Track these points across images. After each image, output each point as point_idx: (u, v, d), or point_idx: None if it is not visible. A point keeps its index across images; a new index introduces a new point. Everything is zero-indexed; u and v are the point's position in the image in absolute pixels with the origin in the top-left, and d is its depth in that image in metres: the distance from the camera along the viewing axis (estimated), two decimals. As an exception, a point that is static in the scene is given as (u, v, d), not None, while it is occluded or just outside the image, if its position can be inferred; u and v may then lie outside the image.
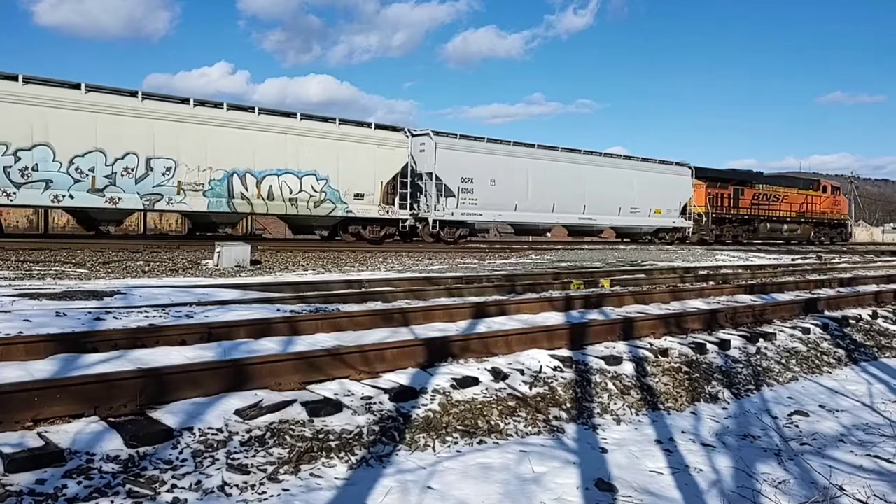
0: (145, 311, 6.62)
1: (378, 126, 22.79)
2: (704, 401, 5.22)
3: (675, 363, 5.73)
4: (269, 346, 5.22)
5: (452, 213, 23.90)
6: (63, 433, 3.17)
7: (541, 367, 5.04)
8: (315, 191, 20.85)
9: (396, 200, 22.90)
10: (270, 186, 19.98)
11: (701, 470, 3.82)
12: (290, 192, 20.37)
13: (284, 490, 3.02)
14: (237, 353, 4.78)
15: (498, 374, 4.73)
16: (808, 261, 21.50)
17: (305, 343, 5.37)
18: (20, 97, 16.20)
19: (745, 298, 9.90)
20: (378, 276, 11.59)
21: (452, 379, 4.50)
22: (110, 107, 17.50)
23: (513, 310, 7.51)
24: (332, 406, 3.83)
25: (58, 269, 11.50)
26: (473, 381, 4.53)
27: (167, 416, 3.46)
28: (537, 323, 6.72)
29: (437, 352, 4.99)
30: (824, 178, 47.24)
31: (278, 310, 7.14)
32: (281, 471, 3.17)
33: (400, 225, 23.27)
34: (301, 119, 20.89)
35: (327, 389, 4.10)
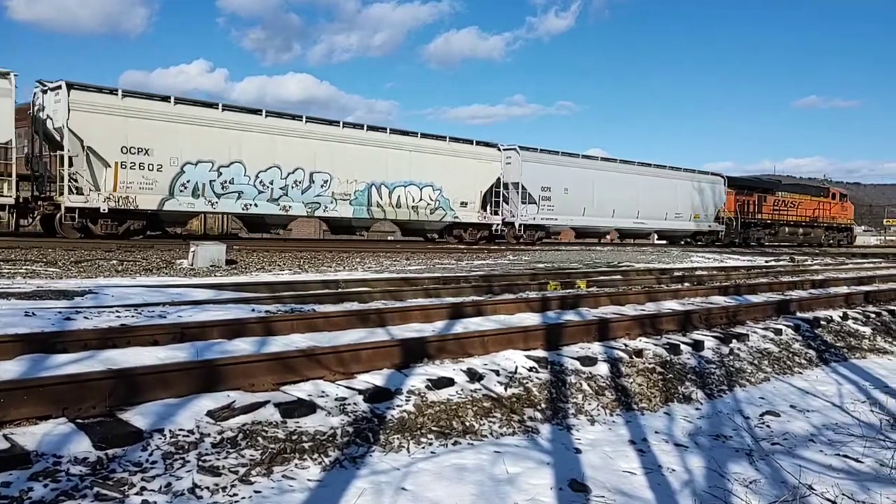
0: (117, 311, 6.53)
1: (478, 143, 26.36)
2: (678, 401, 5.26)
3: (650, 364, 5.77)
4: (242, 346, 5.17)
5: (534, 218, 27.77)
6: (30, 435, 3.11)
7: (516, 367, 5.05)
8: (431, 199, 24.65)
9: (489, 207, 26.62)
10: (399, 196, 23.70)
11: (674, 470, 3.85)
12: (413, 201, 24.13)
13: (256, 492, 2.99)
14: (210, 354, 4.72)
15: (473, 375, 4.73)
16: (780, 262, 21.79)
17: (280, 343, 5.33)
18: (220, 122, 19.50)
19: (720, 300, 10.00)
20: (355, 277, 11.54)
21: (428, 380, 4.50)
22: (284, 129, 20.94)
23: (489, 310, 7.52)
24: (305, 407, 3.80)
25: (28, 268, 11.31)
26: (449, 382, 4.53)
27: (137, 417, 3.41)
28: (513, 323, 6.73)
29: (412, 352, 4.98)
30: (833, 186, 52.15)
31: (253, 310, 7.08)
32: (253, 472, 3.14)
33: (493, 229, 26.83)
34: (421, 137, 24.59)
35: (301, 390, 4.07)
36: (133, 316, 6.36)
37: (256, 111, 20.50)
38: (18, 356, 4.41)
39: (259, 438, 3.43)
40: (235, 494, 2.94)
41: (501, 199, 26.91)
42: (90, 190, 17.71)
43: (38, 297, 7.47)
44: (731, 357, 6.50)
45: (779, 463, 4.10)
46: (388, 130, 23.56)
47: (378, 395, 4.14)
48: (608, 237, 34.86)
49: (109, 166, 17.87)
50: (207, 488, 2.95)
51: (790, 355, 7.04)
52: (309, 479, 3.18)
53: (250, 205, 20.17)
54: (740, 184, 39.64)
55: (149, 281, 10.12)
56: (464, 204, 25.57)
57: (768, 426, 4.95)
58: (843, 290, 12.25)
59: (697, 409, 5.19)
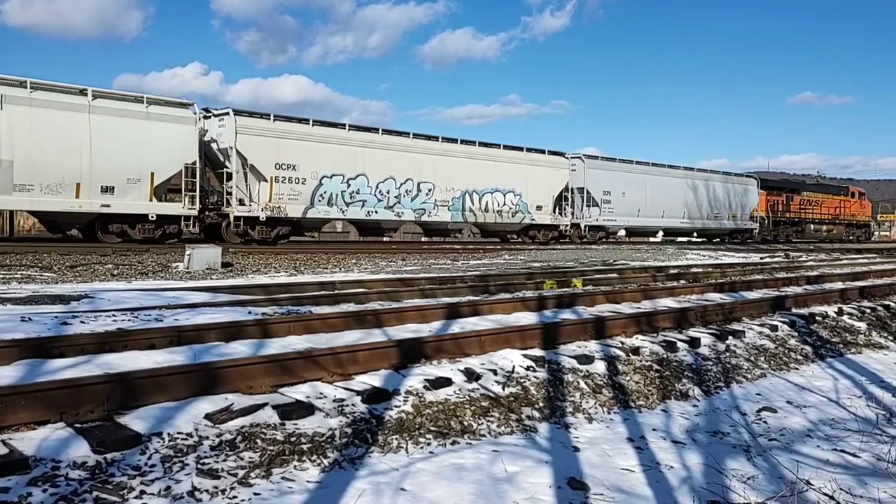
0: (113, 315, 6.52)
1: (549, 152, 29.33)
2: (675, 398, 5.27)
3: (647, 361, 5.79)
4: (240, 349, 5.17)
5: (597, 220, 30.70)
6: (28, 440, 3.11)
7: (514, 366, 5.05)
8: (513, 204, 27.59)
9: (558, 210, 29.59)
10: (487, 201, 26.66)
11: (672, 467, 3.86)
12: (498, 206, 27.13)
13: (256, 494, 2.99)
14: (207, 357, 4.72)
15: (471, 375, 4.74)
16: (776, 259, 21.84)
17: (277, 346, 5.33)
18: (348, 140, 22.57)
19: (715, 297, 10.03)
20: (351, 278, 11.54)
21: (425, 380, 4.50)
22: (397, 145, 23.91)
23: (486, 310, 7.53)
24: (304, 409, 3.80)
25: (23, 272, 11.28)
26: (446, 382, 4.53)
27: (136, 421, 3.41)
28: (510, 323, 6.74)
29: (410, 353, 4.98)
30: (853, 185, 56.23)
31: (250, 312, 7.07)
32: (252, 475, 3.14)
33: (561, 229, 29.72)
34: (503, 149, 27.55)
35: (299, 392, 4.07)
36: (129, 320, 6.35)
37: (374, 129, 23.77)
38: (15, 361, 4.40)
39: (258, 440, 3.43)
40: (235, 497, 2.94)
41: (569, 202, 30.02)
42: (250, 201, 20.55)
43: (33, 302, 7.46)
44: (728, 354, 6.52)
45: (776, 458, 4.11)
46: (476, 143, 26.73)
47: (376, 396, 4.14)
48: (658, 236, 37.42)
49: (266, 180, 20.72)
50: (207, 491, 2.95)
51: (786, 351, 7.06)
52: (308, 481, 3.18)
53: (372, 212, 23.26)
54: (770, 185, 42.95)
55: (145, 285, 10.10)
56: (539, 207, 28.51)
57: (765, 422, 4.97)
58: (839, 285, 12.30)
59: (695, 405, 5.20)
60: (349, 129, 22.88)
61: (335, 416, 3.84)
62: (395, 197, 23.73)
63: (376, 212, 23.31)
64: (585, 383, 5.09)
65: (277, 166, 20.85)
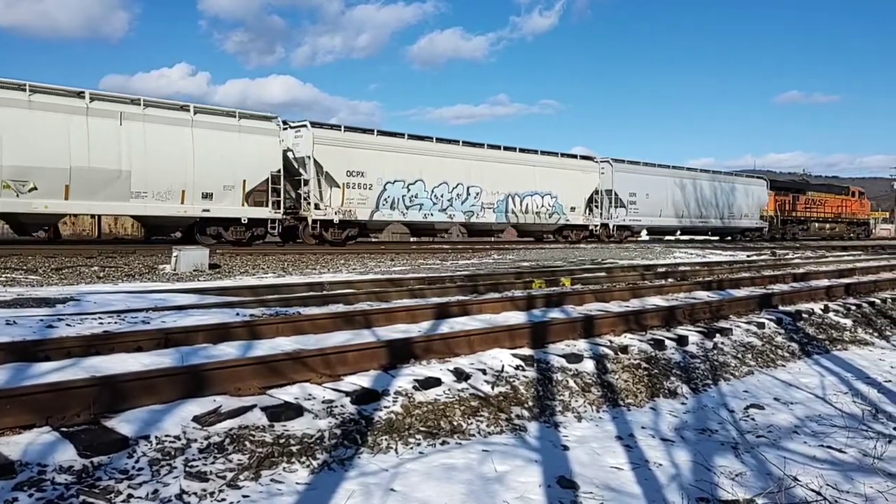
0: (100, 318, 6.48)
1: (581, 157, 31.93)
2: (663, 396, 5.30)
3: (635, 360, 5.81)
4: (228, 350, 5.14)
5: (623, 220, 32.75)
6: (14, 444, 3.08)
7: (503, 366, 5.06)
8: (550, 206, 29.63)
9: (588, 211, 31.44)
10: (527, 203, 28.66)
11: (660, 464, 3.88)
12: (537, 207, 29.14)
13: (245, 496, 2.98)
14: (195, 359, 4.70)
15: (460, 375, 4.74)
16: (762, 257, 21.99)
17: (265, 347, 5.30)
18: (407, 148, 24.75)
19: (703, 295, 10.07)
20: (340, 279, 11.52)
21: (415, 380, 4.50)
22: (449, 152, 26.05)
23: (475, 310, 7.53)
24: (292, 410, 3.79)
25: (8, 275, 11.18)
26: (436, 382, 4.53)
27: (123, 424, 3.38)
28: (499, 322, 6.75)
29: (399, 353, 4.98)
30: (853, 185, 58.68)
31: (237, 314, 7.04)
32: (241, 477, 3.13)
33: (591, 229, 31.68)
34: (541, 154, 29.65)
35: (288, 393, 4.06)
36: (116, 322, 6.31)
37: (429, 138, 25.79)
38: (0, 365, 4.36)
39: (246, 443, 3.42)
40: (224, 499, 2.93)
41: (599, 203, 31.98)
42: (325, 206, 22.35)
43: (18, 305, 7.39)
44: (716, 351, 6.55)
45: (764, 455, 4.14)
46: (517, 149, 28.83)
47: (365, 397, 4.13)
48: (677, 234, 39.14)
49: (338, 186, 22.59)
50: (195, 494, 2.93)
51: (773, 348, 7.11)
52: (297, 482, 3.17)
53: (428, 214, 25.33)
54: (778, 185, 45.34)
55: (131, 287, 10.04)
56: (572, 209, 30.64)
57: (753, 419, 4.99)
58: (824, 282, 12.39)
59: (683, 403, 5.23)
60: (408, 139, 25.06)
61: (324, 417, 3.83)
62: (448, 200, 25.86)
63: (432, 214, 25.44)
64: (574, 382, 5.11)
65: (348, 173, 22.75)
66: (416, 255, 19.96)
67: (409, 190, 24.49)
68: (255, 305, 7.67)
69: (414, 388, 4.41)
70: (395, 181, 24.09)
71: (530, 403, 4.63)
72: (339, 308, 7.79)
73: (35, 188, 16.46)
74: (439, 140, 26.01)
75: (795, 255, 23.07)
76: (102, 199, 17.66)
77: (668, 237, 38.86)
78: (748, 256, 22.18)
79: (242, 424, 3.57)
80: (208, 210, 19.47)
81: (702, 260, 19.63)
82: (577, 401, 4.85)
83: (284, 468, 3.29)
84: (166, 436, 3.34)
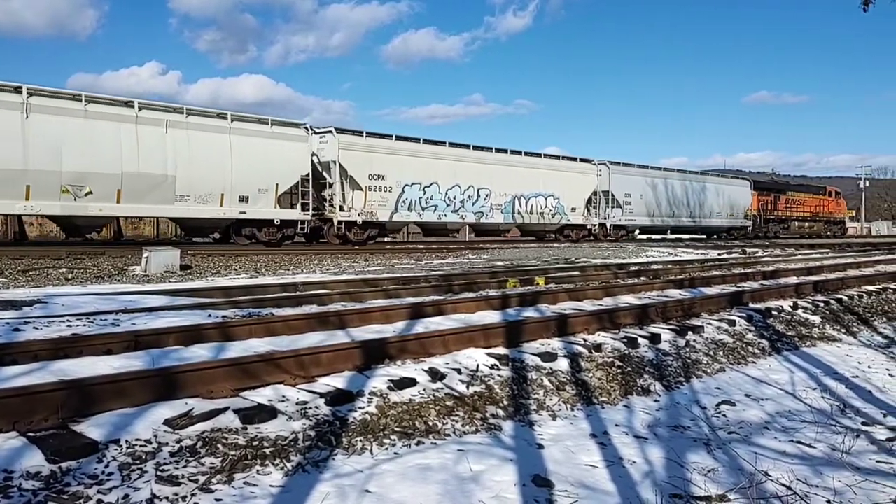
0: (68, 321, 6.36)
1: (581, 160, 33.34)
2: (637, 394, 5.34)
3: (609, 358, 5.85)
4: (200, 353, 5.08)
5: (619, 220, 34.44)
6: (-22, 451, 3.01)
7: (478, 365, 5.06)
8: (552, 207, 31.30)
9: (587, 212, 33.14)
10: (532, 204, 30.35)
11: (634, 462, 3.91)
12: (541, 208, 30.81)
13: (217, 500, 2.94)
14: (166, 362, 4.63)
15: (435, 375, 4.73)
16: (733, 255, 22.28)
17: (238, 349, 5.25)
18: (422, 152, 26.04)
19: (675, 293, 10.18)
20: (314, 279, 11.44)
21: (390, 381, 4.48)
22: (461, 155, 27.53)
23: (450, 309, 7.53)
24: (266, 412, 3.75)
25: (-27, 278, 10.94)
26: (411, 382, 4.52)
27: (92, 429, 3.33)
28: (474, 322, 6.75)
29: (374, 354, 4.95)
30: (820, 184, 62.35)
31: (209, 315, 6.97)
32: (213, 480, 3.09)
33: (589, 228, 33.21)
34: (544, 157, 31.65)
35: (261, 396, 4.02)
36: (85, 325, 6.20)
37: (442, 143, 27.24)
38: (-36, 370, 4.26)
39: (219, 446, 3.38)
40: (196, 503, 2.89)
41: (597, 204, 33.61)
42: (349, 207, 23.60)
43: (-16, 309, 7.23)
44: (688, 349, 6.62)
45: (735, 451, 4.19)
46: (522, 153, 30.37)
47: (340, 398, 4.11)
48: (668, 233, 40.96)
49: (361, 189, 23.88)
50: (167, 498, 2.89)
51: (744, 345, 7.21)
52: (271, 485, 3.14)
53: (442, 215, 26.76)
54: (760, 186, 47.44)
55: (100, 289, 9.88)
56: (573, 209, 32.27)
57: (724, 415, 5.05)
58: (793, 280, 12.59)
59: (656, 401, 5.27)
60: (423, 143, 26.50)
61: (298, 419, 3.80)
62: (460, 202, 27.39)
63: (445, 215, 26.91)
64: (549, 381, 5.13)
65: (370, 177, 24.13)
66: (391, 255, 19.91)
67: (424, 192, 25.99)
68: (227, 307, 7.59)
69: (389, 388, 4.39)
70: (412, 184, 25.50)
71: (505, 402, 4.64)
72: (313, 309, 7.74)
73: (91, 192, 17.54)
74: (451, 144, 27.55)
75: (765, 254, 23.41)
76: (150, 202, 18.76)
77: (659, 236, 40.36)
78: (719, 255, 22.45)
79: (215, 427, 3.53)
80: (245, 212, 20.68)
81: (673, 258, 19.84)
82: (551, 399, 4.86)
83: (258, 471, 3.25)
84: (137, 440, 3.29)
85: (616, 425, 4.56)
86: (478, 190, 27.99)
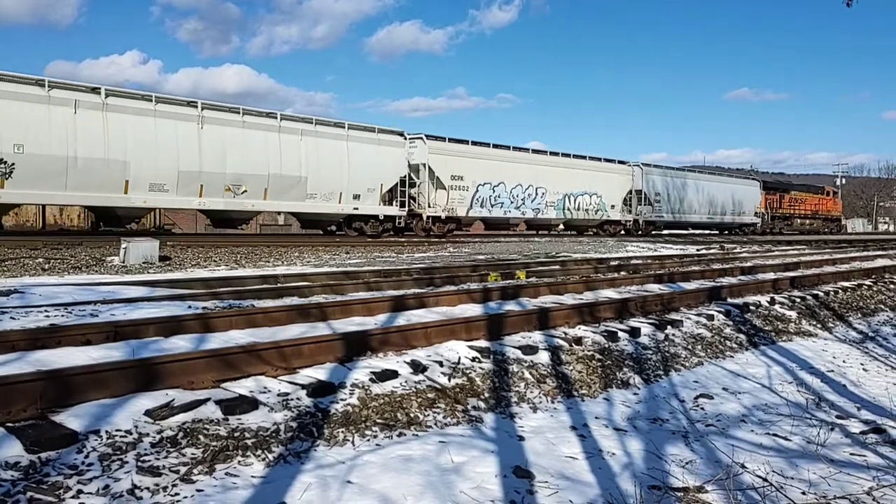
0: (45, 311, 6.29)
1: (618, 161, 36.71)
2: (617, 387, 5.39)
3: (589, 351, 5.89)
4: (180, 344, 5.06)
5: (650, 216, 37.61)
6: (-45, 441, 2.97)
7: (459, 358, 5.08)
8: (596, 204, 34.44)
9: (623, 209, 36.36)
10: (579, 202, 33.51)
11: (614, 454, 3.95)
12: (586, 205, 33.92)
13: (199, 490, 2.93)
14: (146, 352, 4.61)
15: (417, 367, 4.75)
16: (712, 251, 22.49)
17: (219, 340, 5.22)
18: (492, 155, 29.27)
19: (655, 287, 10.26)
20: (294, 271, 11.40)
21: (371, 372, 4.49)
22: (521, 159, 30.78)
23: (432, 302, 7.54)
24: (247, 403, 3.75)
25: (-53, 267, 10.77)
26: (393, 374, 4.53)
27: (71, 419, 3.30)
28: (456, 315, 6.77)
29: (355, 346, 4.96)
30: (828, 185, 64.50)
31: (189, 307, 6.92)
32: (195, 471, 3.08)
33: (625, 224, 36.38)
34: (588, 159, 34.49)
35: (242, 387, 4.01)
36: (63, 315, 6.14)
37: (506, 147, 30.50)
38: (-60, 359, 4.21)
39: (200, 436, 3.37)
40: (177, 494, 2.88)
41: (631, 202, 36.63)
42: (435, 204, 26.72)
43: (-41, 298, 7.13)
44: (667, 343, 6.69)
45: (713, 443, 4.25)
46: (571, 155, 33.52)
47: (321, 390, 4.11)
48: (689, 229, 43.88)
49: (444, 188, 27.03)
50: (147, 489, 2.88)
51: (722, 340, 7.29)
52: (253, 476, 3.14)
53: (507, 211, 29.83)
54: (767, 185, 50.25)
55: (78, 279, 9.77)
56: (612, 206, 35.43)
57: (703, 408, 5.12)
58: (771, 276, 12.74)
59: (635, 393, 5.33)
60: (493, 147, 29.79)
61: (280, 410, 3.80)
62: (521, 199, 30.46)
63: (509, 211, 29.94)
64: (530, 373, 5.16)
65: (452, 177, 27.28)
66: (372, 248, 19.86)
67: (493, 191, 29.17)
68: (207, 298, 7.55)
69: (370, 380, 4.40)
70: (484, 183, 28.71)
71: (487, 395, 4.66)
72: (294, 301, 7.72)
73: (246, 191, 20.75)
74: (515, 148, 31.18)
75: (743, 250, 23.65)
76: (287, 199, 22.05)
77: (682, 231, 43.40)
78: (698, 250, 22.65)
79: (196, 418, 3.52)
80: (357, 208, 23.98)
81: (653, 254, 19.99)
82: (532, 392, 4.90)
83: (239, 462, 3.25)
84: (117, 430, 3.27)
85: (596, 418, 4.61)
86: (536, 189, 31.17)
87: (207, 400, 3.69)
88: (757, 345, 7.50)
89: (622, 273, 12.86)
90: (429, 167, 26.34)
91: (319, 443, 3.59)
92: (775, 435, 4.58)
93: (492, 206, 29.22)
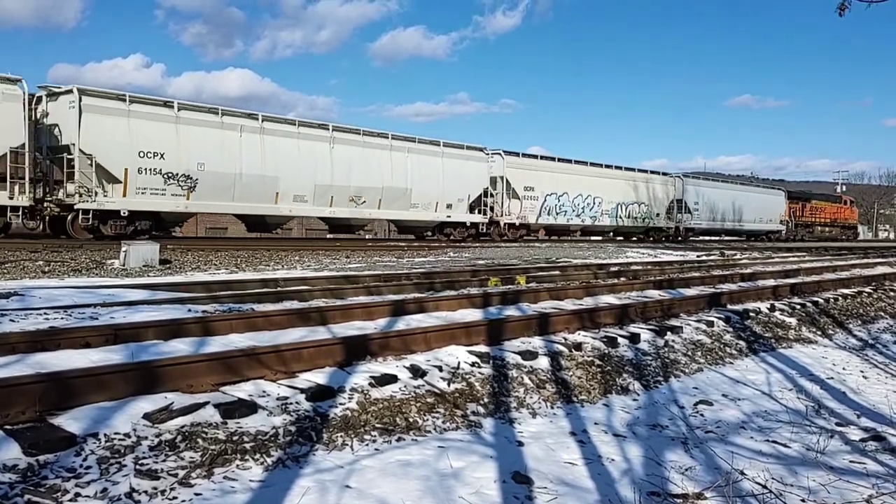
0: (45, 314, 6.29)
1: (663, 173, 40.44)
2: (616, 393, 5.38)
3: (589, 357, 5.89)
4: (180, 347, 5.05)
5: (690, 223, 40.95)
6: (-46, 443, 2.97)
7: (459, 363, 5.08)
8: (644, 212, 37.65)
9: (666, 215, 39.54)
10: (630, 210, 36.67)
11: (613, 460, 3.94)
12: (635, 213, 37.07)
13: (197, 494, 2.93)
14: (146, 356, 4.60)
15: (417, 371, 4.74)
16: (711, 257, 22.48)
17: (219, 344, 5.22)
18: (558, 169, 32.57)
19: (654, 293, 10.26)
20: (294, 275, 11.39)
21: (371, 377, 4.48)
22: (582, 171, 33.92)
23: (431, 307, 7.54)
24: (246, 407, 3.74)
25: (-53, 269, 10.77)
26: (392, 379, 4.52)
27: (70, 422, 3.30)
28: (456, 320, 6.77)
29: (355, 350, 4.95)
30: (845, 195, 68.95)
31: (189, 310, 6.92)
32: (193, 475, 3.08)
33: (667, 230, 39.59)
34: (637, 171, 37.79)
35: (242, 390, 4.01)
36: (63, 318, 6.14)
37: (568, 160, 33.72)
38: (-61, 361, 4.21)
39: (199, 440, 3.36)
40: (175, 497, 2.88)
41: (672, 210, 39.80)
42: (509, 213, 29.87)
43: (-42, 300, 7.13)
44: (667, 349, 6.68)
45: (712, 450, 4.24)
46: (623, 168, 36.82)
47: (321, 394, 4.10)
48: (723, 235, 46.69)
49: (518, 198, 30.17)
50: (146, 492, 2.87)
51: (722, 346, 7.29)
52: (251, 480, 3.14)
53: (569, 219, 33.03)
54: (792, 196, 53.27)
55: (78, 282, 9.77)
56: (657, 214, 38.63)
57: (702, 415, 5.11)
58: (771, 282, 12.74)
59: (635, 399, 5.32)
60: (558, 161, 33.24)
61: (279, 414, 3.79)
62: (581, 208, 33.47)
63: (571, 219, 33.08)
64: (529, 379, 5.15)
65: (525, 188, 30.35)
66: (372, 253, 19.86)
67: (559, 200, 32.19)
68: (207, 301, 7.54)
69: (370, 384, 4.39)
70: (551, 194, 31.72)
71: (486, 400, 4.66)
72: (294, 305, 7.71)
73: (365, 201, 24.13)
74: (577, 161, 34.20)
75: (743, 256, 23.64)
76: (395, 208, 25.52)
77: (714, 237, 46.44)
78: (698, 257, 22.65)
79: (195, 422, 3.51)
80: (450, 216, 27.45)
81: (653, 259, 19.98)
82: (531, 397, 4.89)
83: (238, 465, 3.24)
84: (116, 433, 3.26)
85: (595, 423, 4.60)
86: (594, 199, 34.19)
87: (206, 403, 3.68)
88: (757, 351, 7.49)
89: (622, 279, 12.86)
90: (506, 179, 29.71)
91: (318, 447, 3.59)
92: (775, 442, 4.57)
93: (556, 214, 32.37)
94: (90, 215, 17.91)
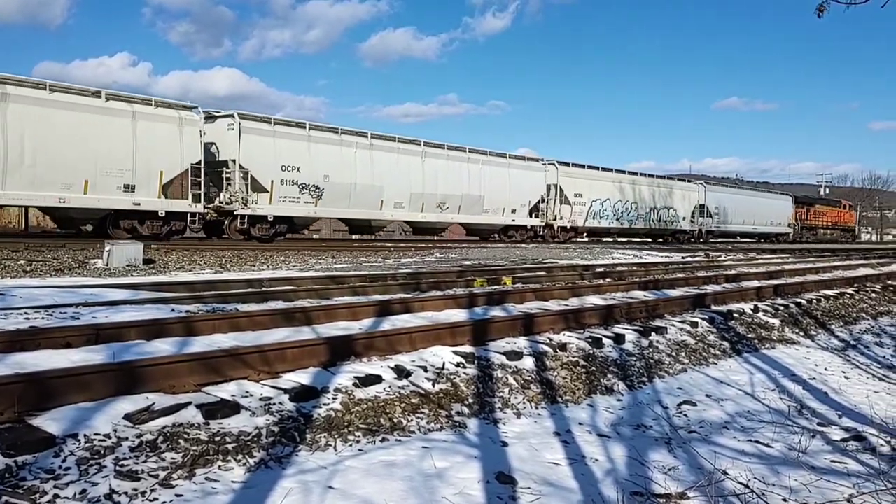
0: (25, 313, 6.22)
1: (687, 180, 44.35)
2: (601, 393, 5.39)
3: (574, 357, 5.90)
4: (162, 347, 5.01)
5: (710, 226, 44.18)
6: (-70, 444, 2.92)
7: (444, 363, 5.07)
8: (672, 216, 41.23)
9: (690, 219, 42.87)
10: (661, 215, 40.28)
11: (597, 460, 3.95)
12: (664, 217, 40.71)
13: (178, 496, 2.90)
14: (128, 356, 4.55)
15: (401, 372, 4.73)
16: (696, 258, 22.60)
17: (202, 344, 5.18)
18: (602, 177, 36.03)
19: (639, 294, 10.30)
20: (279, 276, 11.34)
21: (355, 377, 4.46)
22: (621, 179, 37.32)
23: (417, 307, 7.53)
24: (229, 408, 3.71)
25: (-74, 269, 10.62)
26: (377, 379, 4.51)
27: (49, 422, 3.26)
28: (441, 320, 6.76)
29: (339, 350, 4.93)
30: (844, 200, 70.98)
31: (173, 310, 6.86)
32: (174, 476, 3.05)
33: (690, 232, 42.64)
34: (667, 178, 42.39)
35: (224, 391, 3.98)
36: (43, 318, 6.07)
37: (608, 169, 37.25)
38: (-84, 362, 4.15)
39: (180, 441, 3.33)
40: (156, 499, 2.85)
41: (696, 214, 43.07)
42: (561, 217, 33.24)
43: (-63, 300, 7.03)
44: (651, 349, 6.71)
45: (696, 450, 4.26)
46: (654, 176, 41.27)
47: (304, 394, 4.08)
48: (738, 237, 49.68)
49: (569, 204, 33.65)
50: (126, 493, 2.85)
51: (706, 347, 7.32)
52: (233, 481, 3.11)
53: (610, 222, 36.52)
54: (798, 200, 56.36)
55: (60, 281, 9.67)
56: (683, 218, 42.29)
57: (686, 415, 5.13)
58: (755, 283, 12.82)
59: (619, 400, 5.34)
60: (601, 170, 36.67)
61: (262, 414, 3.77)
62: (620, 213, 36.96)
63: (611, 223, 36.51)
64: (514, 379, 5.15)
65: (574, 195, 33.89)
66: (358, 253, 19.81)
67: (602, 206, 35.58)
68: (191, 301, 7.49)
69: (354, 385, 4.37)
70: (596, 199, 35.15)
71: (470, 400, 4.65)
72: (279, 305, 7.67)
73: (448, 207, 28.08)
74: (617, 170, 37.77)
75: (728, 258, 23.78)
76: (471, 213, 29.22)
77: (730, 238, 48.98)
78: (682, 258, 22.76)
79: (176, 422, 3.48)
80: (514, 220, 31.24)
81: (638, 261, 20.05)
82: (516, 397, 4.89)
83: (220, 466, 3.22)
84: (96, 434, 3.23)
85: (580, 424, 4.61)
86: (631, 204, 37.69)
87: (188, 404, 3.65)
88: (740, 352, 7.53)
89: (607, 280, 12.89)
90: (559, 187, 33.14)
91: (301, 448, 3.57)
92: (757, 442, 4.59)
93: (600, 218, 35.85)
94: (245, 220, 21.29)
